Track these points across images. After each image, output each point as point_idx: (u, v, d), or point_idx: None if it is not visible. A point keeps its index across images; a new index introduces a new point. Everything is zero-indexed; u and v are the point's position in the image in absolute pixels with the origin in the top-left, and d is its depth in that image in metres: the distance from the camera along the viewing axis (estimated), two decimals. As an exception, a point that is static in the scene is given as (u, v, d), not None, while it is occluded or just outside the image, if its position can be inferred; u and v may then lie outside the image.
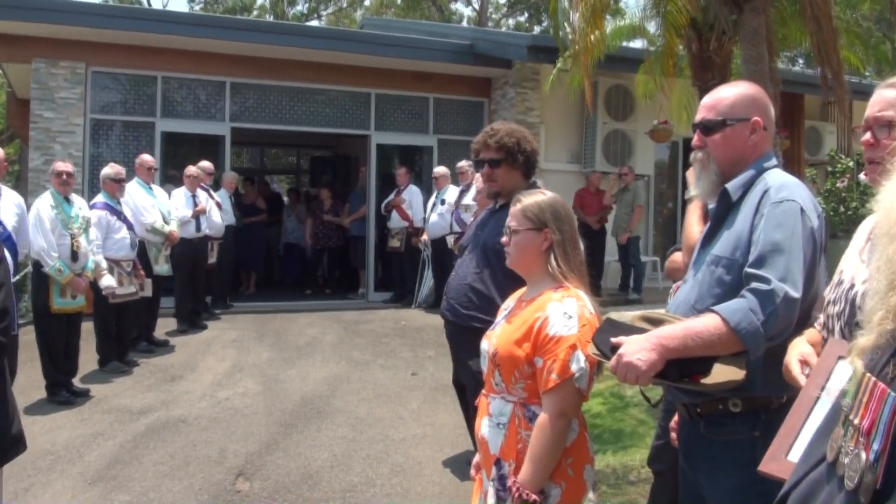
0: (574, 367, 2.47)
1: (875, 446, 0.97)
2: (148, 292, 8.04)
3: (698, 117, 2.54)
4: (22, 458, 5.46)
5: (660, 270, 12.88)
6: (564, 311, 2.54)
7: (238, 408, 6.62)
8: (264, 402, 6.80)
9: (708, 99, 2.55)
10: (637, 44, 12.25)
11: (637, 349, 2.16)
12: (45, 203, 6.74)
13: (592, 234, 11.51)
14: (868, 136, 2.13)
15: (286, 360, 8.12)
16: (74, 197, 7.11)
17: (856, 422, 1.04)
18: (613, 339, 2.25)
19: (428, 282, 11.04)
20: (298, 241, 14.45)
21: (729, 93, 2.52)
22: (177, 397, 6.92)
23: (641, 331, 2.24)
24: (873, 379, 1.03)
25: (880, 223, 1.08)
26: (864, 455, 0.99)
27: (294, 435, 6.01)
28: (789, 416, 1.89)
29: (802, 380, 1.89)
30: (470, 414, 4.17)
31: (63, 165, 7.03)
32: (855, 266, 2.05)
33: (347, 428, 6.17)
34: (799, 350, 2.03)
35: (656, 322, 2.27)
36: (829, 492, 1.07)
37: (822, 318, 2.16)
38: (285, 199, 16.19)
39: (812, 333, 2.17)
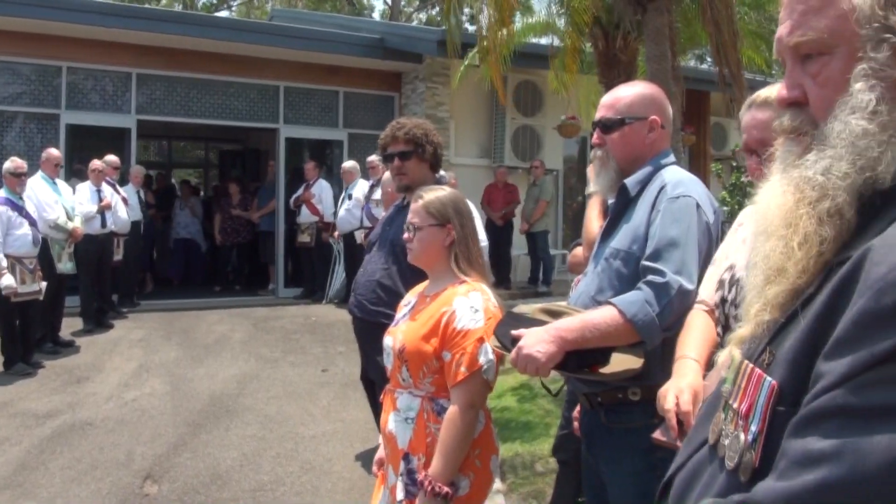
0: (482, 360, 2.51)
1: (753, 428, 1.03)
2: (41, 293, 7.74)
3: (598, 116, 2.61)
4: (-84, 464, 5.29)
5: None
6: (470, 304, 2.58)
7: (145, 409, 6.50)
8: (172, 402, 6.69)
9: (607, 98, 2.63)
10: (548, 40, 12.43)
11: (536, 341, 2.21)
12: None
13: (498, 230, 11.65)
14: (753, 160, 2.21)
15: (194, 359, 8.00)
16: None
17: (735, 406, 1.09)
18: (514, 332, 2.29)
19: (339, 277, 10.99)
20: (192, 235, 13.64)
21: (627, 92, 2.59)
22: (83, 399, 6.75)
23: (541, 323, 2.29)
24: (751, 366, 1.08)
25: (757, 222, 1.14)
26: (742, 436, 1.05)
27: (202, 435, 5.93)
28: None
29: (671, 415, 1.94)
30: (378, 410, 4.18)
31: None
32: (743, 258, 2.15)
33: (257, 426, 6.12)
34: (679, 387, 2.03)
35: (556, 314, 2.33)
36: (711, 472, 1.13)
37: (711, 301, 2.25)
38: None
39: (701, 326, 2.24)
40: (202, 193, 17.07)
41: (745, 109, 2.27)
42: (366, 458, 5.48)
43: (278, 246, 12.25)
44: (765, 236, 1.10)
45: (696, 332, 2.20)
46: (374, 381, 4.42)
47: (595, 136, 2.63)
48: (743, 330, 1.14)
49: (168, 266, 13.70)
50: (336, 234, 10.69)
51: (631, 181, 2.51)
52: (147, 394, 6.90)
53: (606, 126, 2.58)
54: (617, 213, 2.55)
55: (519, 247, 12.36)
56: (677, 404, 1.94)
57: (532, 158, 12.45)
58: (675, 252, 2.28)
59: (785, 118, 1.14)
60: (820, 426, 0.88)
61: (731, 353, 1.20)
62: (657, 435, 1.95)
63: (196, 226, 13.58)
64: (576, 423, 2.74)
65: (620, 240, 2.45)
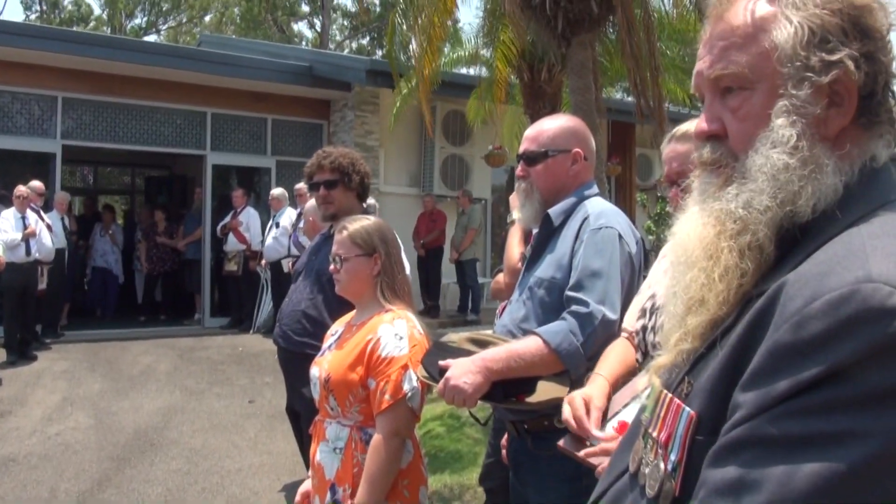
0: (406, 387, 2.51)
1: (672, 457, 1.04)
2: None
3: (521, 148, 2.65)
4: None
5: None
6: (395, 332, 2.59)
7: (69, 443, 6.32)
8: (96, 436, 6.52)
9: (530, 131, 2.67)
10: (473, 70, 12.57)
11: (463, 372, 2.22)
12: None
13: (428, 257, 11.70)
14: (674, 191, 2.26)
15: (119, 392, 7.80)
16: None
17: (654, 435, 1.11)
18: (441, 363, 2.30)
19: (266, 306, 10.86)
20: (109, 265, 12.71)
21: (550, 125, 2.64)
22: (5, 434, 6.52)
23: (468, 353, 2.31)
24: (669, 395, 1.10)
25: (676, 252, 1.16)
26: (662, 465, 1.06)
27: (127, 470, 5.79)
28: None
29: (570, 424, 1.98)
30: (305, 442, 4.13)
31: None
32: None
33: (182, 460, 5.99)
34: (572, 396, 2.06)
35: (483, 343, 2.35)
36: (632, 499, 1.14)
37: (632, 328, 2.29)
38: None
39: (618, 349, 2.27)
40: (122, 221, 16.61)
41: (665, 142, 2.33)
42: (292, 491, 5.38)
43: (204, 274, 12.05)
44: (685, 266, 1.12)
45: (612, 353, 2.24)
46: (298, 413, 4.37)
47: (519, 168, 2.67)
48: (662, 358, 1.16)
49: (87, 296, 13.19)
50: (263, 262, 10.57)
51: (554, 211, 2.55)
52: (71, 428, 6.71)
53: (530, 158, 2.62)
54: (541, 243, 2.59)
55: (448, 275, 12.39)
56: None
57: (461, 187, 12.53)
58: (598, 282, 2.32)
59: (704, 150, 1.16)
60: (739, 455, 0.90)
61: (650, 380, 1.22)
62: (561, 443, 1.97)
63: (115, 255, 12.82)
64: (503, 451, 2.75)
65: (544, 269, 2.49)
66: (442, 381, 2.25)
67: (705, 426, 1.00)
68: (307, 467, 4.54)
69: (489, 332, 2.58)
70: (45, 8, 35.15)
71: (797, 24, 1.04)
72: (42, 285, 9.48)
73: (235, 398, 7.67)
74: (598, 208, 2.50)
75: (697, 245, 1.10)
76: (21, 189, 9.05)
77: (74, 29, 28.80)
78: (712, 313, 1.07)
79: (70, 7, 35.65)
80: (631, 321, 2.31)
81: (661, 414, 1.11)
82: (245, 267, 11.15)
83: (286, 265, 9.85)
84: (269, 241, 10.41)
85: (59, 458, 6.02)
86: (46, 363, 8.88)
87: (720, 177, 1.13)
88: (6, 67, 10.38)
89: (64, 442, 6.37)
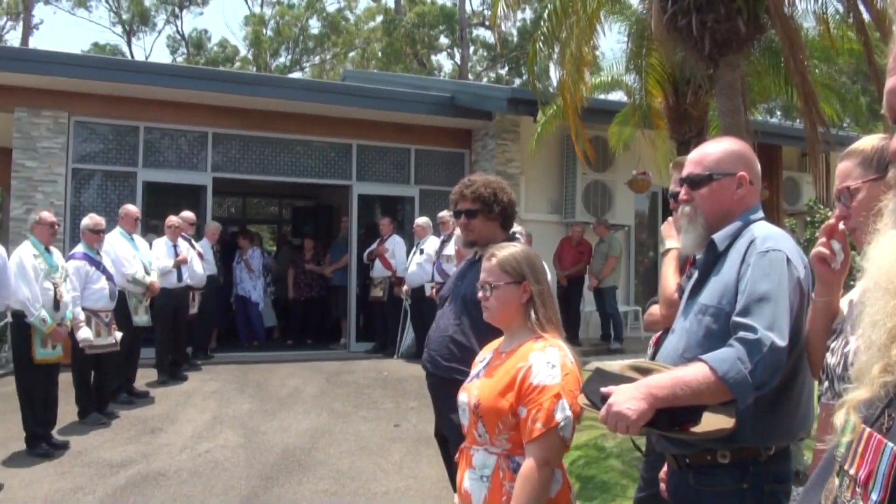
0: (559, 416, 2.46)
1: (874, 497, 0.98)
2: (117, 345, 7.85)
3: (685, 172, 2.58)
4: (-2, 513, 5.41)
5: (642, 320, 12.87)
6: (547, 360, 2.55)
7: (219, 461, 6.53)
8: (245, 454, 6.71)
9: (694, 154, 2.60)
10: (614, 96, 12.46)
11: (626, 398, 2.16)
12: (27, 252, 6.68)
13: (568, 285, 11.59)
14: (839, 210, 2.18)
15: (267, 412, 8.04)
16: (52, 247, 7.06)
17: (851, 472, 1.04)
18: (603, 389, 2.25)
19: (410, 332, 10.99)
20: (247, 293, 12.64)
21: (715, 148, 2.56)
22: (157, 450, 6.82)
23: (630, 380, 2.24)
24: (868, 430, 1.03)
25: (875, 278, 1.08)
26: None
27: (275, 489, 5.94)
28: None
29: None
30: (452, 467, 4.12)
31: (50, 216, 6.99)
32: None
33: (329, 481, 6.10)
34: None
35: (645, 371, 2.28)
36: (827, 541, 1.07)
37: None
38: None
39: None
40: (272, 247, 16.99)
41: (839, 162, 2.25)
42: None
43: (351, 300, 12.35)
44: (887, 293, 1.04)
45: None
46: (446, 438, 4.37)
47: (682, 192, 2.59)
48: (860, 392, 1.09)
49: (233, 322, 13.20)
50: (405, 288, 10.73)
51: (719, 236, 2.46)
52: (220, 445, 6.94)
53: (694, 182, 2.54)
54: (706, 269, 2.50)
55: (589, 303, 12.23)
56: None
57: (603, 214, 12.38)
58: (766, 307, 2.22)
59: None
60: None
61: (845, 416, 1.14)
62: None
63: (252, 281, 12.67)
64: (662, 485, 2.67)
65: (709, 295, 2.40)
66: (605, 408, 2.19)
67: None
68: (455, 492, 4.55)
69: (645, 359, 2.51)
70: (190, 50, 37.09)
71: None
72: (193, 310, 9.94)
73: (381, 422, 7.76)
74: (765, 231, 2.40)
75: None
76: (172, 219, 9.56)
77: (221, 68, 30.25)
78: None
79: (215, 48, 37.50)
80: None
81: (860, 450, 1.04)
82: (390, 293, 11.34)
83: (428, 289, 9.98)
84: (413, 267, 10.56)
85: (209, 474, 6.23)
86: (197, 383, 9.26)
87: None
88: (159, 106, 11.06)
89: (213, 459, 6.59)
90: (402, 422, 7.74)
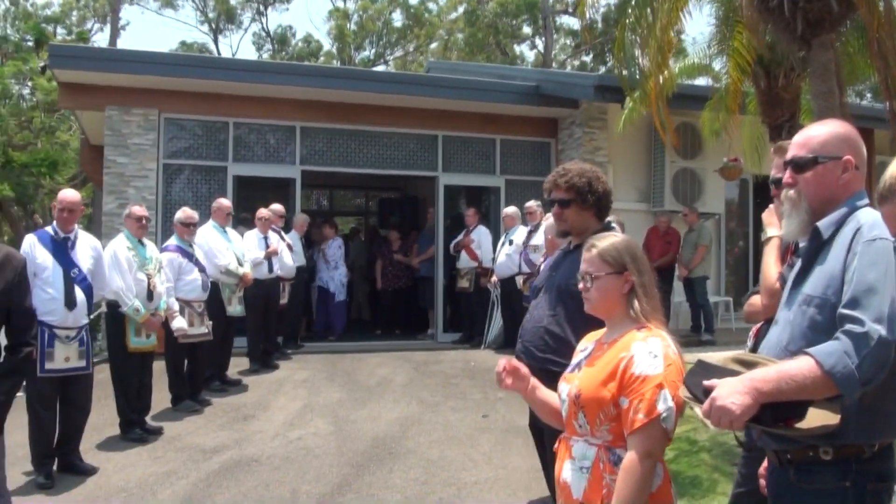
0: (661, 407, 2.41)
1: None
2: (210, 334, 8.07)
3: (789, 155, 2.50)
4: (96, 493, 5.63)
5: (733, 311, 12.62)
6: (649, 350, 2.51)
7: (310, 448, 6.64)
8: (336, 442, 6.81)
9: (799, 137, 2.51)
10: (701, 82, 12.19)
11: (730, 392, 2.11)
12: (121, 245, 6.91)
13: (657, 276, 11.39)
14: None
15: (357, 401, 8.14)
16: (146, 240, 7.28)
17: None
18: (706, 382, 2.20)
19: (497, 322, 10.97)
20: (324, 283, 12.43)
21: (820, 131, 2.47)
22: (249, 436, 6.98)
23: (734, 373, 2.19)
24: None
25: None
26: None
27: (366, 476, 6.00)
28: None
29: None
30: (547, 459, 4.11)
31: (142, 210, 7.22)
32: None
33: (419, 470, 6.14)
34: None
35: (749, 364, 2.22)
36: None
37: None
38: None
39: None
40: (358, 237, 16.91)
41: None
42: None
43: (437, 291, 12.41)
44: None
45: None
46: (542, 430, 4.36)
47: (786, 175, 2.51)
48: None
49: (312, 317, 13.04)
50: (494, 279, 10.71)
51: (824, 223, 2.37)
52: (312, 433, 7.05)
53: (798, 165, 2.46)
54: (809, 258, 2.41)
55: (678, 294, 12.01)
56: None
57: (693, 202, 12.13)
58: (874, 299, 2.13)
59: None
60: None
61: None
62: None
63: (328, 272, 12.47)
64: (762, 481, 2.60)
65: (814, 285, 2.32)
66: (708, 402, 2.14)
67: None
68: (548, 485, 4.53)
69: (744, 352, 2.45)
70: (275, 46, 37.69)
71: None
72: (283, 300, 10.13)
73: (469, 412, 7.77)
74: (872, 219, 2.30)
75: None
76: (262, 212, 9.76)
77: (307, 63, 30.67)
78: None
79: (300, 44, 38.02)
80: None
81: None
82: (477, 284, 11.34)
83: (518, 282, 9.95)
84: (501, 257, 10.54)
85: (301, 461, 6.33)
86: (287, 372, 9.44)
87: None
88: (248, 102, 11.31)
89: (305, 446, 6.69)
90: (491, 412, 7.74)
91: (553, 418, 2.87)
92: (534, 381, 2.90)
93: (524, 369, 2.85)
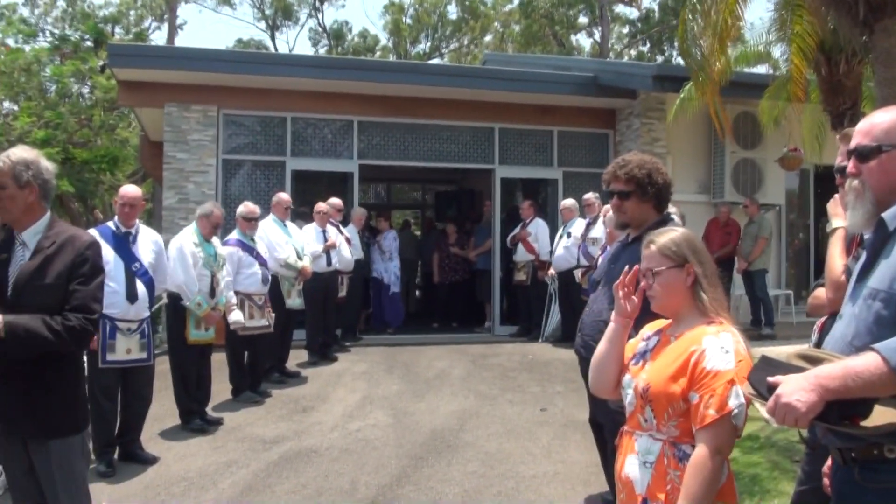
0: (732, 403, 2.39)
1: None
2: (270, 327, 8.15)
3: (853, 143, 2.43)
4: (156, 482, 5.75)
5: (793, 304, 12.40)
6: (721, 345, 2.48)
7: (369, 439, 6.69)
8: (395, 434, 6.85)
9: (863, 124, 2.44)
10: (761, 69, 11.99)
11: (795, 389, 2.07)
12: (188, 240, 7.03)
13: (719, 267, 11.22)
14: None
15: (415, 393, 8.19)
16: (213, 238, 7.40)
17: None
18: (770, 379, 2.16)
19: (554, 316, 10.93)
20: (380, 274, 12.31)
21: (884, 117, 2.39)
22: (308, 428, 7.05)
23: (799, 369, 2.15)
24: None
25: None
26: None
27: (425, 469, 6.03)
28: None
29: None
30: (608, 453, 4.09)
31: (219, 215, 7.30)
32: None
33: (478, 463, 6.15)
34: None
35: (815, 360, 2.18)
36: None
37: None
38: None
39: None
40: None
41: None
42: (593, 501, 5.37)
43: (494, 284, 12.39)
44: None
45: None
46: (601, 424, 4.34)
47: (850, 165, 2.44)
48: None
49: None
50: (551, 271, 10.67)
51: (889, 214, 2.30)
52: (371, 425, 7.10)
53: (862, 154, 2.38)
54: (874, 250, 2.34)
55: (738, 286, 11.83)
56: None
57: (753, 193, 11.94)
58: None
59: None
60: None
61: None
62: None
63: (382, 264, 12.33)
64: (826, 480, 2.56)
65: (879, 279, 2.25)
66: (772, 399, 2.11)
67: None
68: (608, 480, 4.52)
69: (808, 347, 2.40)
70: (331, 41, 37.98)
71: None
72: (342, 293, 10.22)
73: (527, 405, 7.76)
74: None
75: None
76: (321, 206, 9.83)
77: (363, 58, 30.84)
78: None
79: (356, 39, 38.28)
80: None
81: None
82: (534, 277, 11.29)
83: (576, 275, 9.90)
84: (559, 250, 10.50)
85: (360, 452, 6.38)
86: (346, 364, 9.52)
87: None
88: (305, 97, 11.43)
89: (364, 438, 6.74)
90: (549, 406, 7.72)
91: (604, 372, 2.85)
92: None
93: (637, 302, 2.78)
